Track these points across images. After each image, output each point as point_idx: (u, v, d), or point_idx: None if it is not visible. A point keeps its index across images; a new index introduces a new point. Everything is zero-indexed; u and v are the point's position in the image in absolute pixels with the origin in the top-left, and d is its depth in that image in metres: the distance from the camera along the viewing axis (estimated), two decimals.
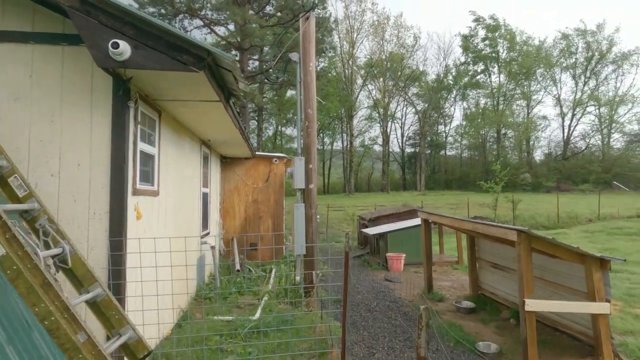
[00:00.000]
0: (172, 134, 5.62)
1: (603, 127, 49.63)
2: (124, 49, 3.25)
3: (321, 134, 54.65)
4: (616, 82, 50.41)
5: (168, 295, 4.39)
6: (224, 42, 24.13)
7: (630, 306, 6.71)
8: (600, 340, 4.61)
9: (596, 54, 49.01)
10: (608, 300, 4.61)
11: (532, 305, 4.47)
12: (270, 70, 23.32)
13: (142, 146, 4.32)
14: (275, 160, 11.27)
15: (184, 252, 5.17)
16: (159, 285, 4.29)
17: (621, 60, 48.22)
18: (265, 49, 27.26)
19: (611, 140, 50.14)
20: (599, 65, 49.45)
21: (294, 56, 7.32)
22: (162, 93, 4.37)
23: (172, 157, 5.62)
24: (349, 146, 50.00)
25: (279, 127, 51.45)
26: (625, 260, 5.08)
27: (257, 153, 11.14)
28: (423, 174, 50.99)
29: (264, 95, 35.68)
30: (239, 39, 22.34)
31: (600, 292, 4.61)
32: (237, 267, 8.42)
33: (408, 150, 58.81)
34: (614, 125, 48.86)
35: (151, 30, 3.35)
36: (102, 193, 3.74)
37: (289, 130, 52.61)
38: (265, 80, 23.19)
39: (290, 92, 37.01)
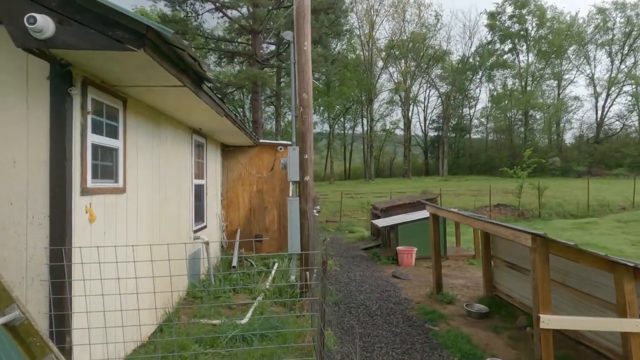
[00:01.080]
0: (147, 123, 5.11)
1: None
2: (44, 24, 2.71)
3: (342, 119, 53.75)
4: None
5: (132, 309, 3.93)
6: (237, 26, 23.52)
7: None
8: None
9: (636, 28, 45.80)
10: None
11: (549, 322, 3.80)
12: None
13: (97, 139, 3.82)
14: (280, 148, 10.72)
15: (162, 257, 4.73)
16: (122, 299, 3.84)
17: None
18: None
19: None
20: (639, 41, 46.27)
21: (288, 35, 6.66)
22: (118, 78, 3.84)
23: (147, 149, 5.13)
24: (369, 131, 48.94)
25: (292, 119, 50.60)
26: None
27: (260, 141, 10.63)
28: (446, 159, 49.59)
29: (282, 80, 34.96)
30: (251, 22, 21.66)
31: (633, 307, 3.88)
32: (234, 263, 7.97)
33: (431, 134, 57.30)
34: None
35: (78, 2, 2.79)
36: (42, 194, 3.26)
37: None
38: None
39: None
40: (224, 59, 24.38)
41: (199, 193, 7.76)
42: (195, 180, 7.51)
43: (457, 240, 11.24)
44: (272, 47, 27.88)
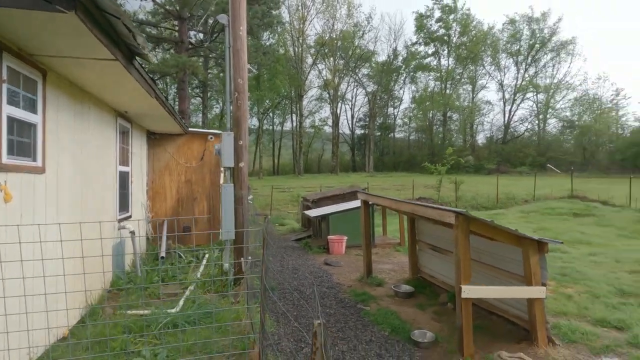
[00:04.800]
0: (70, 100, 4.73)
1: (540, 112, 52.38)
2: None
3: (271, 114, 53.40)
4: (553, 70, 52.95)
5: (45, 294, 3.64)
6: (162, 10, 22.36)
7: (563, 286, 6.74)
8: (535, 325, 4.45)
9: (538, 41, 51.08)
10: (544, 284, 4.44)
11: (469, 291, 4.19)
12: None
13: (13, 111, 3.48)
14: (211, 138, 10.44)
15: (78, 240, 4.42)
16: (36, 283, 3.55)
17: (559, 48, 50.67)
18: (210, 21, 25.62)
19: (547, 125, 53.13)
20: (540, 53, 51.67)
21: (223, 19, 6.54)
22: (40, 46, 3.52)
23: (70, 129, 4.75)
24: (298, 127, 49.24)
25: (226, 106, 49.35)
26: (562, 242, 4.94)
27: (190, 129, 10.27)
28: (372, 156, 51.49)
29: (209, 71, 33.88)
30: (177, 8, 20.72)
31: (537, 276, 4.43)
32: (162, 253, 7.66)
33: (358, 132, 59.11)
34: (550, 111, 51.69)
35: None
36: None
37: None
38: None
39: None
40: (148, 45, 23.07)
41: (123, 181, 7.33)
42: (120, 167, 7.08)
43: (383, 229, 11.80)
44: (200, 35, 26.90)
